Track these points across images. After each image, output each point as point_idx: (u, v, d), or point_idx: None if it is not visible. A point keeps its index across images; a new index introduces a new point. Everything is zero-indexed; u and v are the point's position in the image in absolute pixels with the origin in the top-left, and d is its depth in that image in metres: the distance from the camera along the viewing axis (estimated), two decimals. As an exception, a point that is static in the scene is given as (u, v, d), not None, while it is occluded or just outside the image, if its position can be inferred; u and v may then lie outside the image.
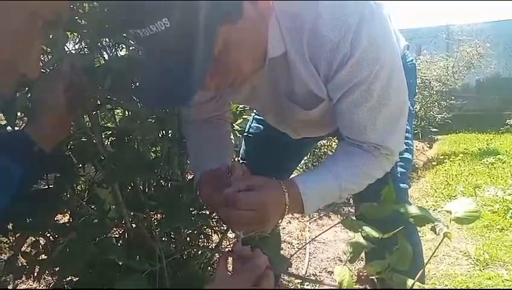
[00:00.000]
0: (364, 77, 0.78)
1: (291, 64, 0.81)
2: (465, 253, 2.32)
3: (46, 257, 1.07)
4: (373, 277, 0.60)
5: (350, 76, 0.78)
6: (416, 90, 1.66)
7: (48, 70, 0.91)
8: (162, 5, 0.60)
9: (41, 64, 0.87)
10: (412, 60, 1.26)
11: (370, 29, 0.75)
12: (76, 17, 0.89)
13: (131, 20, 0.62)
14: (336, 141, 2.63)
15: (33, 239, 1.10)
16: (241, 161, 1.40)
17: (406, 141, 1.00)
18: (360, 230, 0.67)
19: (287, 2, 0.76)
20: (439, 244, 0.61)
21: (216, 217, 1.29)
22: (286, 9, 0.76)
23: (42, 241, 1.08)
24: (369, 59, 0.76)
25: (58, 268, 1.02)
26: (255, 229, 0.83)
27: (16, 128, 0.90)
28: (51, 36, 0.82)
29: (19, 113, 0.92)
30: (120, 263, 0.88)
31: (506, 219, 2.78)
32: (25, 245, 1.09)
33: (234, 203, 0.74)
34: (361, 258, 0.98)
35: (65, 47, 0.92)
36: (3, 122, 0.92)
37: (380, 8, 0.81)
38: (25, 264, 1.08)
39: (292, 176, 1.30)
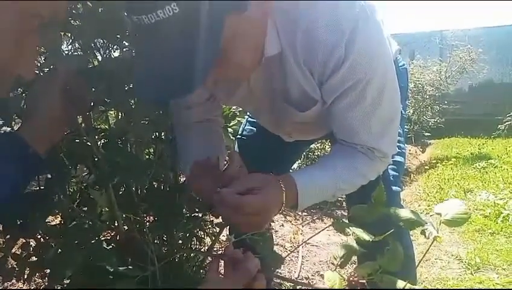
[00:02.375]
0: (358, 80, 0.79)
1: (286, 64, 0.81)
2: (456, 257, 2.33)
3: (36, 259, 1.06)
4: (363, 281, 0.60)
5: (344, 79, 0.79)
6: (409, 95, 1.68)
7: (44, 72, 0.91)
8: None
9: (37, 65, 0.87)
10: (403, 65, 1.27)
11: (365, 34, 0.76)
12: (70, 18, 0.89)
13: (139, 4, 0.61)
14: (329, 144, 2.64)
15: (23, 241, 1.09)
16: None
17: (398, 144, 1.00)
18: (351, 233, 0.67)
19: (284, 2, 0.76)
20: (429, 247, 0.61)
21: (209, 220, 1.29)
22: (282, 10, 0.76)
23: (33, 243, 1.07)
24: (363, 62, 0.77)
25: (48, 271, 1.01)
26: (258, 230, 0.85)
27: (8, 128, 0.89)
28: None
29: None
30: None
31: (497, 223, 2.80)
32: (15, 247, 1.08)
33: (239, 208, 0.73)
34: (354, 260, 0.99)
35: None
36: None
37: (374, 13, 0.82)
38: (14, 266, 1.07)
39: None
